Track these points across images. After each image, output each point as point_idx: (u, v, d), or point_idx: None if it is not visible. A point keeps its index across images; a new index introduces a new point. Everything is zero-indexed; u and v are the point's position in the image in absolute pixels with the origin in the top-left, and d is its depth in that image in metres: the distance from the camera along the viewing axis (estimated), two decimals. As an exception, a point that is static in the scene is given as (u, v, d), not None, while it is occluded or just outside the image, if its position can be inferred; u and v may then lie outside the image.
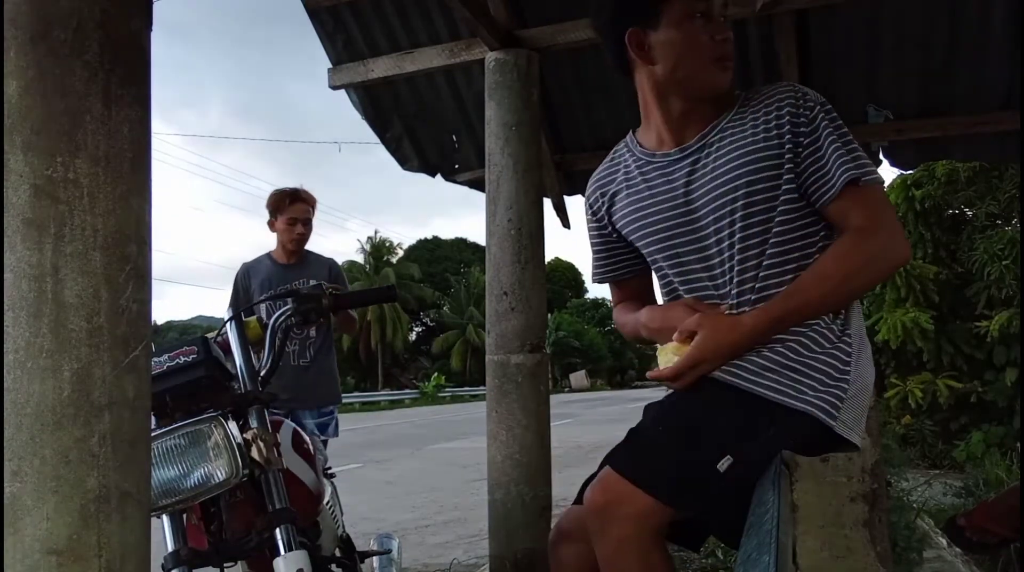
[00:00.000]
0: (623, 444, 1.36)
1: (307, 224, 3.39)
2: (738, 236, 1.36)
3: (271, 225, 3.40)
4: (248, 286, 3.39)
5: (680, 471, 1.28)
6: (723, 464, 1.24)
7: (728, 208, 1.36)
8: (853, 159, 1.30)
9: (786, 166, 1.33)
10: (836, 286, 1.29)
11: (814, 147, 1.33)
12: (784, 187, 1.34)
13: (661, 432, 1.36)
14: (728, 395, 1.32)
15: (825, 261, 1.31)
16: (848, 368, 1.30)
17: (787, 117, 1.34)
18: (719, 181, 1.37)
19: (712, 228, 1.39)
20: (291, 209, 3.34)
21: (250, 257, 3.54)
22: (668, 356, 1.37)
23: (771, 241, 1.35)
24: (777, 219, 1.34)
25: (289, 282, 3.30)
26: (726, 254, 1.38)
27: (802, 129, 1.33)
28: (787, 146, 1.34)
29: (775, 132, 1.35)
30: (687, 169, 1.42)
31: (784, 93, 1.37)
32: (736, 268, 1.37)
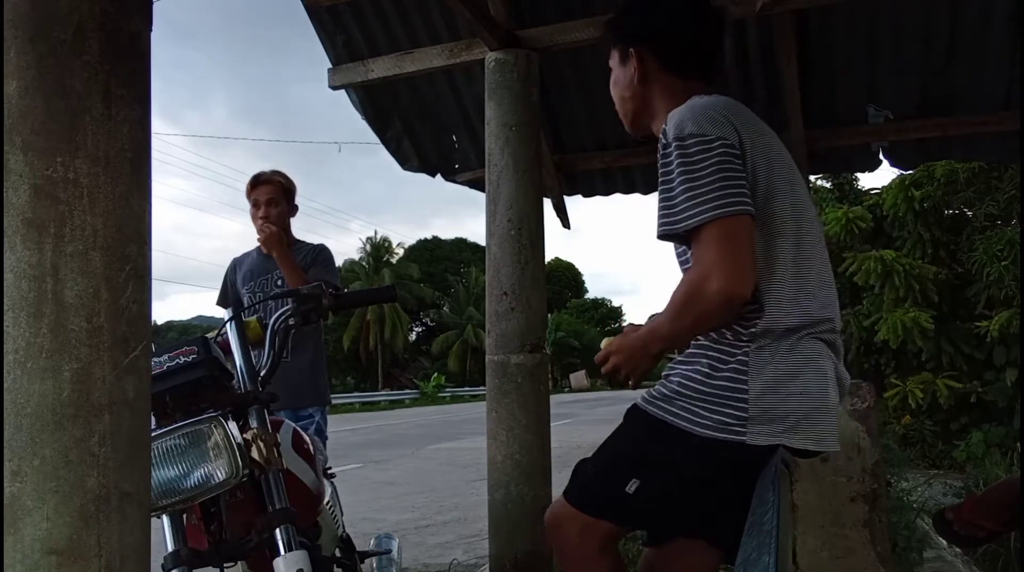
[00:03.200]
0: (572, 472, 1.56)
1: (272, 204, 3.14)
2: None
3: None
4: (234, 279, 3.29)
5: (604, 492, 1.47)
6: (631, 486, 1.41)
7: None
8: (663, 211, 1.37)
9: None
10: (673, 318, 1.38)
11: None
12: None
13: (595, 459, 1.54)
14: (644, 423, 1.45)
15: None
16: (743, 385, 1.34)
17: (660, 158, 1.42)
18: None
19: None
20: (254, 193, 3.18)
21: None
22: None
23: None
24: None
25: (270, 271, 3.19)
26: None
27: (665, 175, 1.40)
28: None
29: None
30: None
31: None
32: None
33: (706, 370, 1.38)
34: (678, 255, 1.53)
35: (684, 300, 1.35)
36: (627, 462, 1.46)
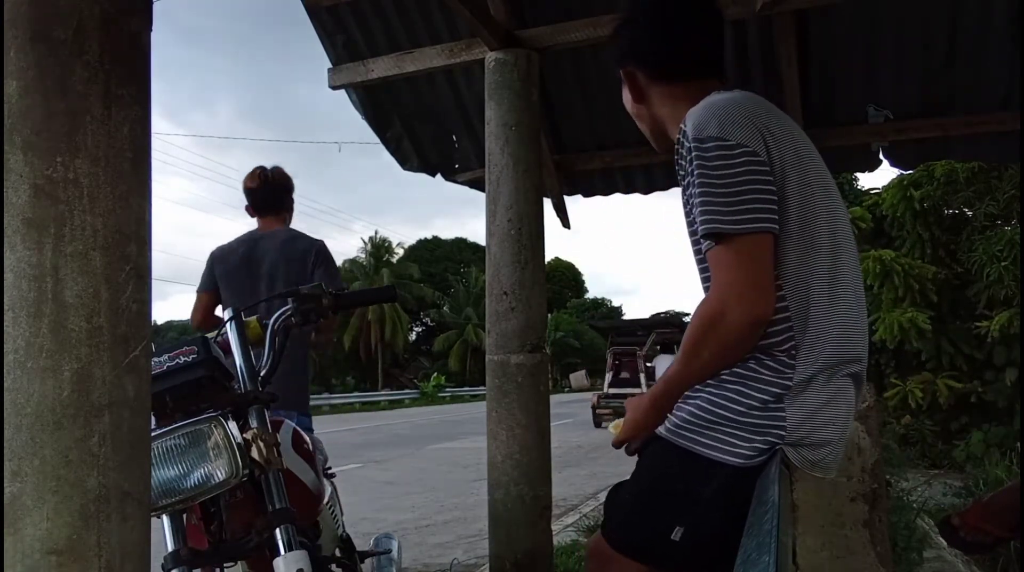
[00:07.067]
0: (606, 504, 1.48)
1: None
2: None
3: (290, 206, 3.12)
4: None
5: (645, 540, 1.38)
6: (676, 534, 1.31)
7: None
8: (705, 215, 1.25)
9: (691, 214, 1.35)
10: (691, 357, 1.29)
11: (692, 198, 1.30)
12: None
13: (629, 499, 1.43)
14: (673, 456, 1.34)
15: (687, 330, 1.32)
16: (781, 412, 1.26)
17: (679, 160, 1.34)
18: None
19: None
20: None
21: None
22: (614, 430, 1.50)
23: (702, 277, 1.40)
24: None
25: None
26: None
27: (685, 177, 1.32)
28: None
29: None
30: None
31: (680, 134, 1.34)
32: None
33: (738, 397, 1.28)
34: (697, 262, 1.43)
35: (701, 332, 1.26)
36: (664, 502, 1.35)
